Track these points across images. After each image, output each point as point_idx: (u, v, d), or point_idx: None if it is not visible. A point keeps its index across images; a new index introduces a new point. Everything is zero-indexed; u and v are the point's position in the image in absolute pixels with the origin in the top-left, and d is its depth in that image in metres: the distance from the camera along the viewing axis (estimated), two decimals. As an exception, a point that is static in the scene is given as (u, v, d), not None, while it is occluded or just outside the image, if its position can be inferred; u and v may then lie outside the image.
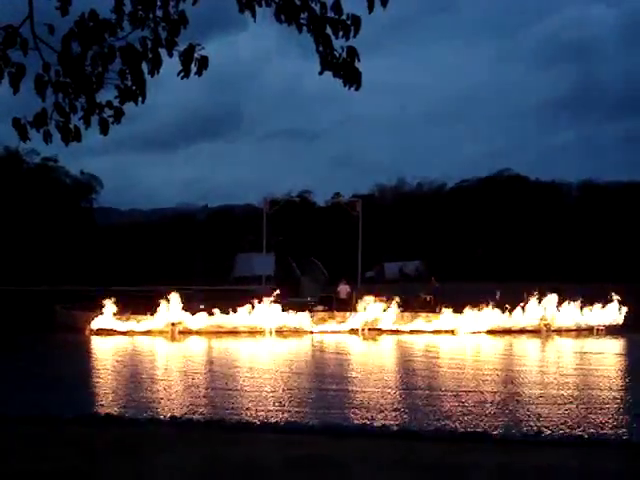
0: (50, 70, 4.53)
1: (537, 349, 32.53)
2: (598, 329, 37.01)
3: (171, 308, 36.73)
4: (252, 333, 36.19)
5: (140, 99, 4.65)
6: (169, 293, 37.44)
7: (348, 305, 39.45)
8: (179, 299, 36.85)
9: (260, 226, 49.03)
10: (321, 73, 4.63)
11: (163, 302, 36.80)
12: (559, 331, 37.00)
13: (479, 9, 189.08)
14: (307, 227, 76.10)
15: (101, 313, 37.23)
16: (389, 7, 4.64)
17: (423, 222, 76.73)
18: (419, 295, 41.48)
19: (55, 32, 4.46)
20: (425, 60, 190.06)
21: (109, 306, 37.39)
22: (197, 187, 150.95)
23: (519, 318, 37.52)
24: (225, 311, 37.01)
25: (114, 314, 36.97)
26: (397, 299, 37.61)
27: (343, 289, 41.63)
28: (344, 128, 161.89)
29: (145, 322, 36.86)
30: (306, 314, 37.34)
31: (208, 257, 67.69)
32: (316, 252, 60.04)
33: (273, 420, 15.35)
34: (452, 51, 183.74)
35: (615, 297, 37.53)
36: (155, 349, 32.17)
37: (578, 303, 37.65)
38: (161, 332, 36.06)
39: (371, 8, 4.53)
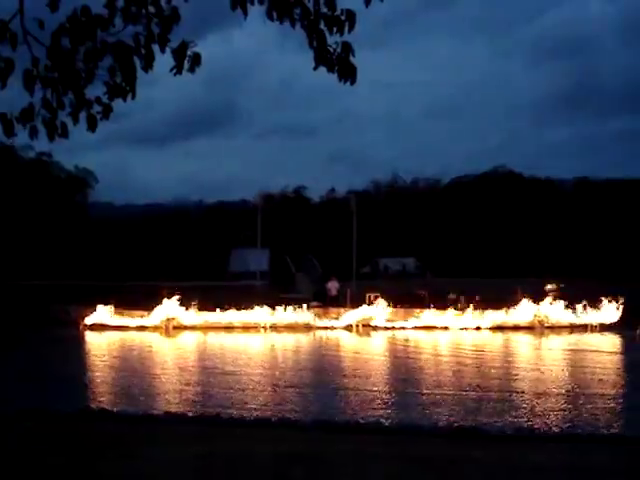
0: (39, 65, 4.50)
1: (529, 345, 32.48)
2: (592, 326, 37.02)
3: (166, 303, 36.74)
4: (246, 329, 36.22)
5: (130, 95, 4.62)
6: (164, 288, 37.52)
7: (339, 301, 39.73)
8: (174, 295, 36.92)
9: (255, 222, 48.99)
10: (315, 68, 4.61)
11: (157, 298, 36.87)
12: (553, 328, 37.04)
13: (476, 5, 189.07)
14: (302, 223, 76.12)
15: (95, 308, 37.22)
16: (386, 4, 4.62)
17: (418, 218, 76.80)
18: (413, 291, 41.62)
19: (46, 27, 4.43)
20: (421, 56, 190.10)
21: (104, 301, 37.39)
22: (192, 182, 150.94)
23: (514, 315, 37.58)
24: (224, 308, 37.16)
25: (109, 309, 36.96)
26: (373, 296, 38.09)
27: (333, 286, 41.76)
28: (340, 124, 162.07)
29: (139, 317, 36.85)
30: (304, 311, 37.50)
31: (203, 253, 67.69)
32: (311, 248, 60.08)
33: (267, 416, 15.35)
34: (448, 47, 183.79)
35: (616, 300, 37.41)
36: (149, 344, 32.14)
37: (563, 301, 37.66)
38: (156, 327, 36.06)
39: (368, 2, 4.51)
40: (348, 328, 36.68)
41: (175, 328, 36.02)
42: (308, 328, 36.45)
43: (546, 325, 37.17)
